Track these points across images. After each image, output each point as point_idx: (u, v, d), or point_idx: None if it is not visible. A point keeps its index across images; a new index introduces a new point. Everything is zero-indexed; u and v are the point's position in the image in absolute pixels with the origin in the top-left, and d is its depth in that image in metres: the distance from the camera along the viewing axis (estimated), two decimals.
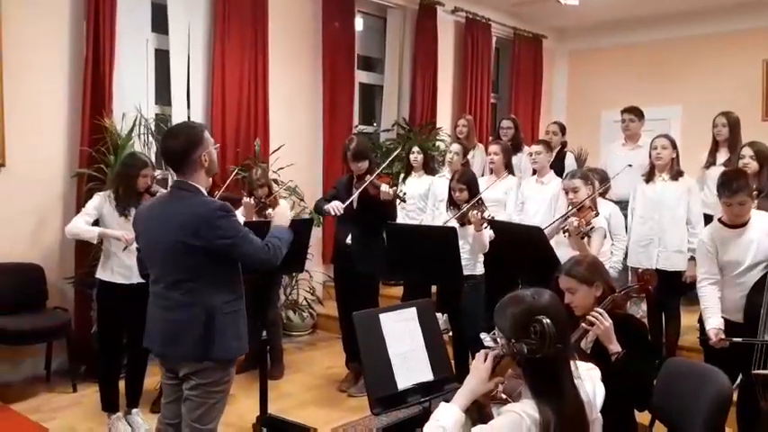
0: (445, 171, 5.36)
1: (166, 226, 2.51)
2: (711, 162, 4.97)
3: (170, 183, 4.92)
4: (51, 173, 4.71)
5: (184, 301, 2.52)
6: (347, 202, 4.36)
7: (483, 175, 5.41)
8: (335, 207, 4.37)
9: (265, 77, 5.80)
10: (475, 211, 4.03)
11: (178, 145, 2.55)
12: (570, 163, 5.98)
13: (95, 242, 3.82)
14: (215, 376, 2.57)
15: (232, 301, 2.61)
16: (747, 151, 4.14)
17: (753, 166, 4.06)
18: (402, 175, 5.76)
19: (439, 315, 4.75)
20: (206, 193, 2.61)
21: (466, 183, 4.25)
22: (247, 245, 2.53)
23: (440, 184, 5.19)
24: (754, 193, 3.36)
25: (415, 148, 5.60)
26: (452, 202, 4.32)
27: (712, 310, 3.31)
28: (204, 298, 2.52)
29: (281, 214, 2.89)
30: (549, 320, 1.72)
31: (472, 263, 4.26)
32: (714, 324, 3.25)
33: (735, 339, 3.08)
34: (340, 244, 4.55)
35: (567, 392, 1.76)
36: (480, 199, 4.24)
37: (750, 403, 3.14)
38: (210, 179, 4.23)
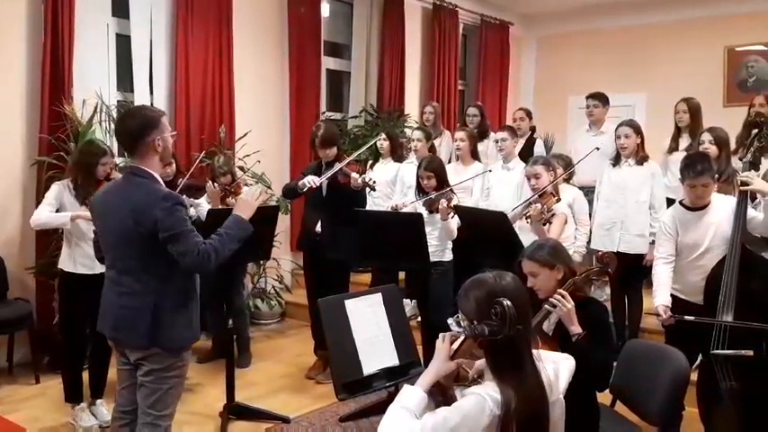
0: (412, 158, 5.37)
1: (118, 211, 2.51)
2: (674, 148, 5.07)
3: None
4: (10, 161, 4.59)
5: (135, 287, 2.52)
6: (323, 178, 4.30)
7: (449, 162, 5.43)
8: (311, 180, 4.27)
9: (230, 63, 5.73)
10: (443, 200, 4.05)
11: (133, 125, 2.54)
12: (539, 150, 6.04)
13: (68, 227, 3.73)
14: (167, 361, 2.56)
15: (184, 289, 2.59)
16: (707, 136, 4.23)
17: (712, 150, 4.15)
18: (370, 162, 5.75)
19: (407, 301, 4.80)
20: (160, 180, 2.59)
21: (433, 170, 4.27)
22: (182, 243, 2.45)
23: (407, 170, 5.19)
24: (715, 176, 3.44)
25: (382, 135, 5.58)
26: (421, 190, 4.34)
27: (662, 288, 3.40)
28: (155, 285, 2.51)
29: (245, 203, 2.75)
30: (509, 302, 1.74)
31: (440, 249, 4.29)
32: (662, 301, 3.35)
33: (686, 317, 3.15)
34: (309, 231, 4.52)
35: (527, 373, 1.78)
36: (450, 188, 4.26)
37: (710, 383, 3.20)
38: (172, 167, 4.26)
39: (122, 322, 2.55)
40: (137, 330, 2.51)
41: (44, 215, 3.70)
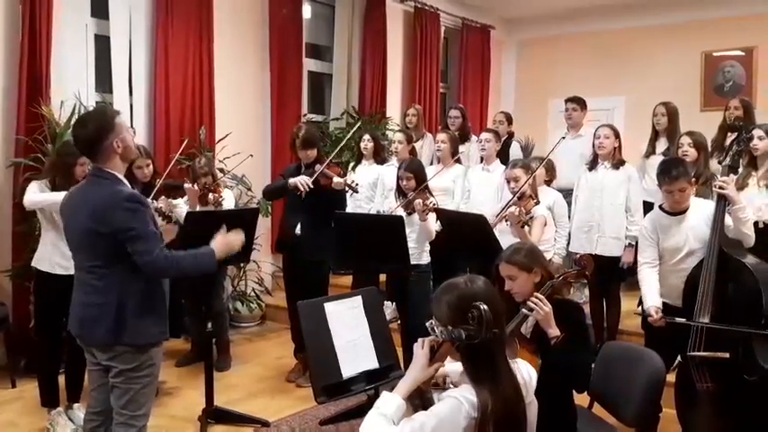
0: (393, 160, 5.37)
1: (80, 212, 2.53)
2: (651, 151, 5.11)
3: None
4: None
5: (99, 285, 2.54)
6: (312, 179, 4.26)
7: (431, 164, 5.44)
8: (303, 182, 4.23)
9: (210, 64, 5.69)
10: (419, 200, 4.06)
11: (89, 133, 2.53)
12: (515, 152, 6.08)
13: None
14: (136, 360, 2.56)
15: (149, 288, 2.59)
16: (686, 140, 4.28)
17: (691, 153, 4.20)
18: (352, 164, 5.74)
19: (388, 303, 4.80)
20: (124, 180, 2.60)
21: (413, 171, 4.28)
22: (142, 243, 2.47)
23: (388, 173, 5.19)
24: (692, 180, 3.48)
25: (366, 136, 5.55)
26: (401, 191, 4.34)
27: (651, 291, 3.42)
28: (118, 284, 2.52)
29: (227, 243, 2.75)
30: (485, 306, 1.75)
31: (418, 252, 4.28)
32: (653, 302, 3.36)
33: (677, 319, 3.18)
34: (289, 234, 4.51)
35: (503, 376, 1.80)
36: (426, 187, 4.27)
37: (687, 384, 3.23)
38: (150, 168, 4.22)
39: (87, 320, 2.57)
40: (100, 328, 2.52)
41: (38, 195, 3.61)
